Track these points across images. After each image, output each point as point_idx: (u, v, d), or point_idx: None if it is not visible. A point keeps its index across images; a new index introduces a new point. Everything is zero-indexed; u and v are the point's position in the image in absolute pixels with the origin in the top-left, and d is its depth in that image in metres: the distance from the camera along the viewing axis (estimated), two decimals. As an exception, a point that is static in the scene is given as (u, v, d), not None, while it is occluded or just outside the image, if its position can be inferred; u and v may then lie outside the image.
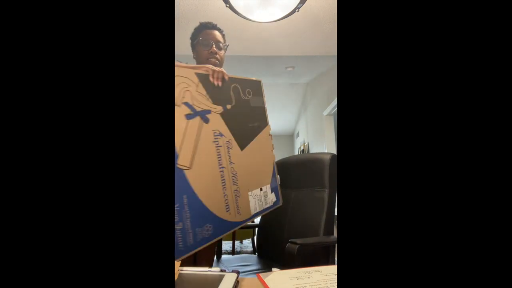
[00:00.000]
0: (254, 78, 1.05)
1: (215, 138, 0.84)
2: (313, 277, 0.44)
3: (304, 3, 1.70)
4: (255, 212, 0.95)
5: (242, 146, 0.93)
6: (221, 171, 0.84)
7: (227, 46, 1.19)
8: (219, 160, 0.84)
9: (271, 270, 0.48)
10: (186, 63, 1.05)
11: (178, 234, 0.68)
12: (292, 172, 1.26)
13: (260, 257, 1.31)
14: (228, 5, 1.69)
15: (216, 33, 1.16)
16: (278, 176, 1.06)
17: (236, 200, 0.88)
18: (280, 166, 0.93)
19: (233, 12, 1.74)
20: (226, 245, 3.18)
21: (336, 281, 0.42)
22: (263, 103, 1.05)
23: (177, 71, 0.77)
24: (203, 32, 1.15)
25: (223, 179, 0.85)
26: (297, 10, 1.74)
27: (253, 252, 1.39)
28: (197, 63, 1.15)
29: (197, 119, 0.79)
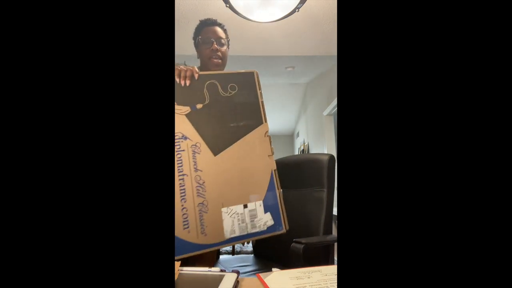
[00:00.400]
0: (244, 70, 0.91)
1: (176, 142, 0.77)
2: (313, 277, 0.44)
3: (304, 3, 1.70)
4: (233, 236, 0.73)
5: (216, 150, 0.79)
6: (180, 179, 0.73)
7: (229, 41, 1.14)
8: (179, 166, 0.74)
9: (271, 270, 0.48)
10: (184, 63, 1.03)
11: None
12: (291, 172, 1.26)
13: (259, 257, 1.31)
14: (228, 5, 1.69)
15: (217, 29, 1.11)
16: (281, 190, 0.81)
17: (201, 216, 0.72)
18: (277, 166, 0.85)
19: (233, 12, 1.74)
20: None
21: (336, 281, 0.42)
22: (256, 97, 0.87)
23: None
24: (203, 30, 1.11)
25: (183, 189, 0.73)
26: (297, 10, 1.74)
27: (253, 252, 1.39)
28: (200, 63, 1.13)
29: None
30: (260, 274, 0.46)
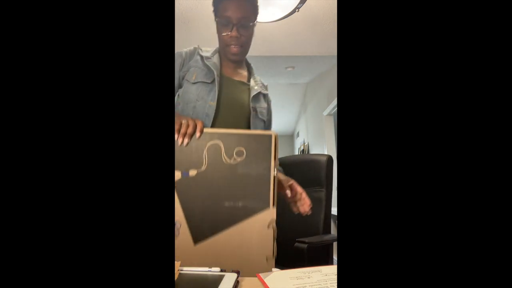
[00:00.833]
0: (260, 131, 0.71)
1: None
2: (313, 277, 0.44)
3: (304, 3, 1.71)
4: None
5: (197, 237, 0.61)
6: None
7: (257, 15, 0.90)
8: None
9: (271, 270, 0.48)
10: (198, 49, 0.95)
11: None
12: (289, 173, 1.27)
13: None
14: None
15: (241, 2, 0.84)
16: None
17: None
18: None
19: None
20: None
21: (336, 281, 0.42)
22: (267, 170, 0.65)
23: None
24: (222, 4, 0.85)
25: None
26: (297, 10, 1.74)
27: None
28: (219, 48, 0.96)
29: None
30: (260, 274, 0.46)
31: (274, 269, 0.50)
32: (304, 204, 0.79)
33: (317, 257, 1.07)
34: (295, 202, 0.80)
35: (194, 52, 0.97)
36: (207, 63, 0.93)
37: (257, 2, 0.90)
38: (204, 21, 2.00)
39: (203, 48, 1.01)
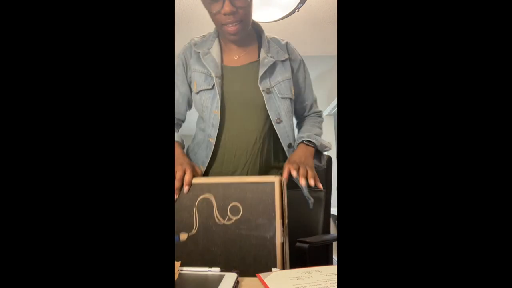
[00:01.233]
0: (259, 178, 0.57)
1: None
2: (313, 277, 0.44)
3: (304, 3, 1.70)
4: None
5: None
6: None
7: None
8: None
9: (271, 270, 0.48)
10: (192, 44, 0.83)
11: None
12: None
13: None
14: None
15: None
16: None
17: None
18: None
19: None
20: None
21: (336, 281, 0.42)
22: (271, 232, 0.52)
23: None
24: None
25: None
26: (297, 10, 1.74)
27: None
28: (217, 28, 0.82)
29: None
30: (260, 274, 0.46)
31: (274, 269, 0.50)
32: (314, 178, 0.68)
33: (318, 257, 1.08)
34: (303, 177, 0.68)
35: (191, 49, 0.86)
36: (205, 62, 0.81)
37: None
38: (205, 21, 2.00)
39: (196, 39, 0.87)
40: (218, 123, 0.80)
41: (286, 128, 0.83)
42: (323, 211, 1.13)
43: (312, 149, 0.81)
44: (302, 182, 0.66)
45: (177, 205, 0.58)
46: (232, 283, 0.42)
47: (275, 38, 0.89)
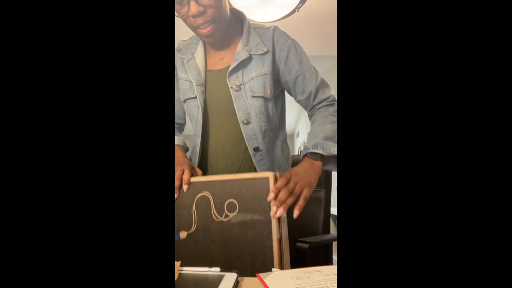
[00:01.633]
0: (252, 175, 0.58)
1: None
2: (313, 277, 0.44)
3: (304, 3, 1.70)
4: None
5: None
6: None
7: None
8: None
9: (270, 270, 0.48)
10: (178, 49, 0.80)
11: None
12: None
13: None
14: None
15: None
16: None
17: None
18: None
19: (233, 12, 1.74)
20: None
21: (336, 281, 0.42)
22: (268, 228, 0.53)
23: None
24: None
25: None
26: (297, 10, 1.74)
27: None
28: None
29: None
30: (260, 274, 0.46)
31: (274, 269, 0.50)
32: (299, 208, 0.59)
33: (318, 257, 1.08)
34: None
35: (176, 55, 0.82)
36: (188, 69, 0.77)
37: None
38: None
39: (181, 43, 0.81)
40: (201, 132, 0.77)
41: (254, 130, 0.74)
42: (323, 211, 1.13)
43: (318, 166, 0.66)
44: (272, 211, 0.54)
45: (177, 204, 0.59)
46: (232, 283, 0.42)
47: (261, 27, 0.78)
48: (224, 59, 0.77)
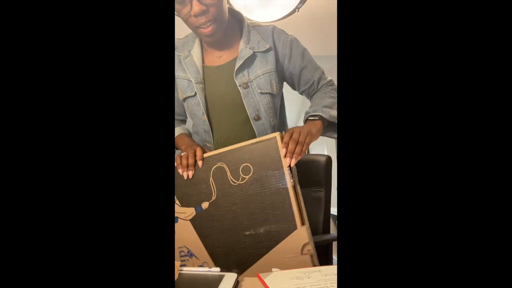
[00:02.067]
0: (262, 138, 0.60)
1: (182, 260, 0.59)
2: (313, 277, 0.44)
3: (304, 3, 1.70)
4: None
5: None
6: None
7: None
8: None
9: (271, 270, 0.48)
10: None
11: None
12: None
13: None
14: (228, 5, 1.69)
15: None
16: None
17: None
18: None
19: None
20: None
21: (336, 281, 0.42)
22: (282, 181, 0.56)
23: None
24: None
25: None
26: (297, 10, 1.74)
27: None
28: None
29: None
30: (260, 274, 0.46)
31: (274, 269, 0.50)
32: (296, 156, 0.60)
33: (318, 257, 1.08)
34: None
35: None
36: (185, 66, 0.78)
37: None
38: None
39: (177, 41, 0.81)
40: (209, 127, 0.79)
41: (265, 125, 0.78)
42: (323, 211, 1.13)
43: (318, 123, 0.71)
44: (286, 161, 0.58)
45: (194, 179, 0.63)
46: (232, 283, 0.42)
47: (259, 25, 0.81)
48: (223, 57, 0.79)
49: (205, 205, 0.61)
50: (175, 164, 0.64)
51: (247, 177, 0.59)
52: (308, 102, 0.89)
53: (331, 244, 1.11)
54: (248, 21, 0.81)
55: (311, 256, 0.54)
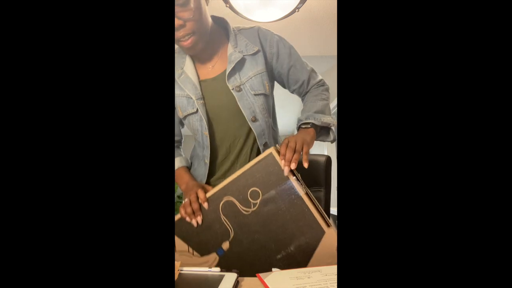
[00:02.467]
0: (259, 158, 0.59)
1: None
2: (313, 277, 0.44)
3: (304, 3, 1.70)
4: None
5: None
6: None
7: None
8: None
9: (271, 270, 0.48)
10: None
11: None
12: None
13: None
14: (228, 5, 1.69)
15: None
16: None
17: None
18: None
19: (233, 12, 1.74)
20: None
21: (336, 281, 0.42)
22: (294, 193, 0.56)
23: None
24: None
25: None
26: (297, 10, 1.74)
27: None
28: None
29: None
30: (260, 274, 0.46)
31: (274, 269, 0.50)
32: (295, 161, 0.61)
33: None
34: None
35: None
36: (182, 84, 0.76)
37: None
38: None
39: None
40: (209, 144, 0.79)
41: (262, 126, 0.78)
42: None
43: (311, 131, 0.73)
44: (285, 170, 0.57)
45: (205, 223, 0.59)
46: (232, 283, 0.42)
47: (244, 28, 0.81)
48: (215, 67, 0.78)
49: (225, 245, 0.57)
50: (180, 215, 0.61)
51: (258, 201, 0.57)
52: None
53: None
54: (233, 26, 0.80)
55: None
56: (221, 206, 0.58)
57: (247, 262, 0.55)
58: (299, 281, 0.42)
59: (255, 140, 0.80)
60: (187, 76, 0.77)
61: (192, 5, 0.63)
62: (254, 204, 0.57)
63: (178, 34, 0.66)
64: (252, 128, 0.77)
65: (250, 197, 0.57)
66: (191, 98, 0.76)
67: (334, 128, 0.81)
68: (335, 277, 0.43)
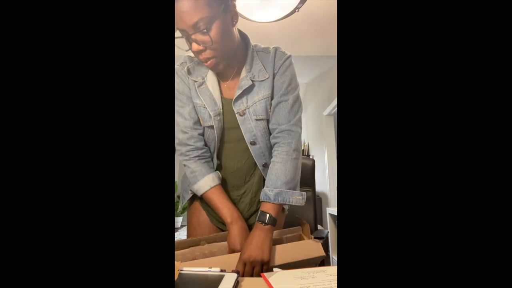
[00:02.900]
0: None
1: None
2: (318, 277, 0.43)
3: (304, 3, 1.70)
4: None
5: None
6: None
7: (222, 11, 0.62)
8: None
9: (271, 271, 0.47)
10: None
11: None
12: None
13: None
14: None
15: (184, 3, 0.58)
16: None
17: None
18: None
19: (233, 12, 1.74)
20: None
21: (338, 281, 0.41)
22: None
23: None
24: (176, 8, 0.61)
25: None
26: (297, 10, 1.74)
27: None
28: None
29: None
30: (264, 274, 0.45)
31: (275, 269, 0.49)
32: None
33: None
34: None
35: (187, 77, 0.77)
36: (201, 96, 0.74)
37: None
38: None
39: (189, 62, 0.77)
40: (216, 164, 0.81)
41: (261, 148, 0.79)
42: (313, 209, 1.25)
43: (268, 229, 0.66)
44: None
45: None
46: (232, 283, 0.41)
47: (263, 50, 0.78)
48: (232, 90, 0.77)
49: None
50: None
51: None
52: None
53: (327, 242, 1.18)
54: (253, 45, 0.78)
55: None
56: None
57: None
58: (303, 281, 0.42)
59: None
60: (207, 88, 0.76)
61: (213, 32, 0.62)
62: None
63: (199, 56, 0.67)
64: (251, 151, 0.79)
65: None
66: (209, 112, 0.75)
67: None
68: (338, 277, 0.42)
